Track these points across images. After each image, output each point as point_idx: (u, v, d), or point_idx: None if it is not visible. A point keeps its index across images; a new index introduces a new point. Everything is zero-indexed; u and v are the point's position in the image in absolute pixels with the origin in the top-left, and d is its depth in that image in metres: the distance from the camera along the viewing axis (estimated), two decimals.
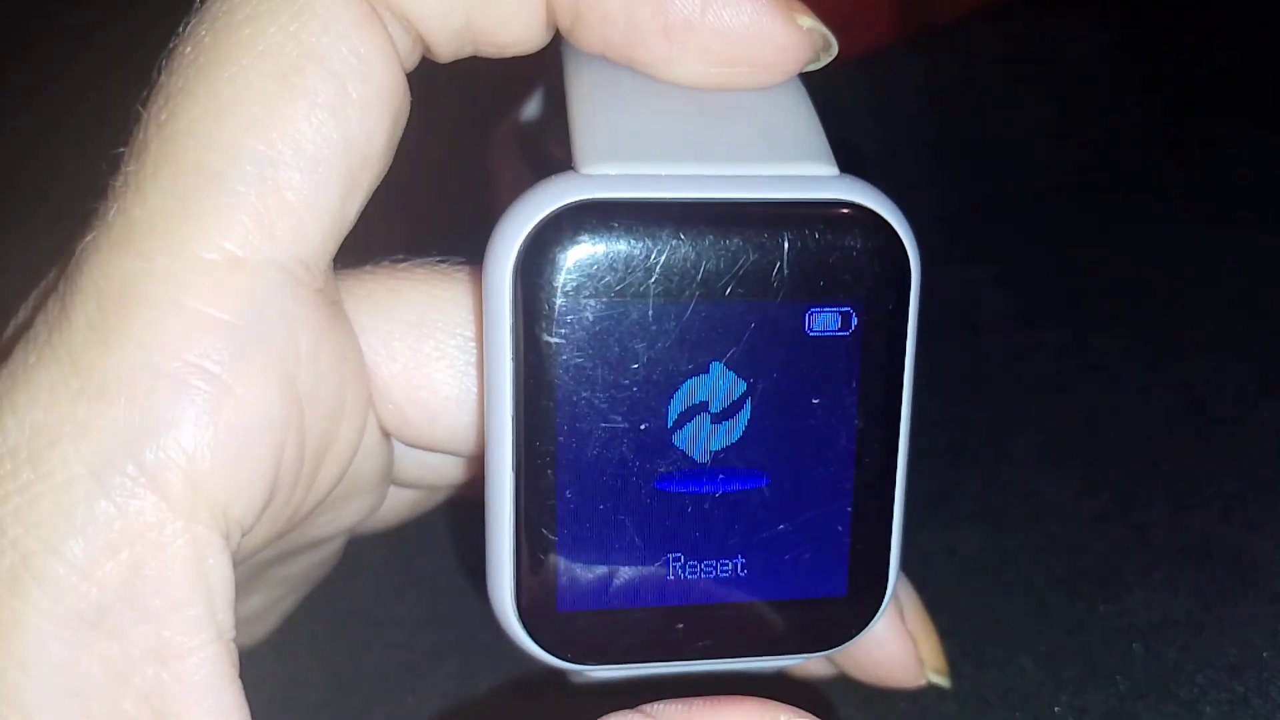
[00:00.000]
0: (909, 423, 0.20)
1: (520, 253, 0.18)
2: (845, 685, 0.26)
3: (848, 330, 0.19)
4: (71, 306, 0.18)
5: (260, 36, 0.18)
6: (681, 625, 0.20)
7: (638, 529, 0.20)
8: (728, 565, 0.20)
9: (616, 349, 0.19)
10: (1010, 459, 0.34)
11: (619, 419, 0.19)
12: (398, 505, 0.24)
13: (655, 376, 0.19)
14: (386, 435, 0.21)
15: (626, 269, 0.19)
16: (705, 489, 0.20)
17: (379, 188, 0.19)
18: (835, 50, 0.21)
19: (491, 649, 0.29)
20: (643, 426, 0.19)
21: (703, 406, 0.19)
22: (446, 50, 0.20)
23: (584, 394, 0.19)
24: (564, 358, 0.19)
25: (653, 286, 0.19)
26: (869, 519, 0.20)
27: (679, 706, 0.18)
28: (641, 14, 0.19)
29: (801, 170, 0.20)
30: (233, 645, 0.18)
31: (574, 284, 0.18)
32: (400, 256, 0.21)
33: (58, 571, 0.17)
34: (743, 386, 0.19)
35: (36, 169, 0.46)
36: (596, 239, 0.18)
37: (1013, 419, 0.35)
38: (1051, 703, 0.27)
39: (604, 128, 0.20)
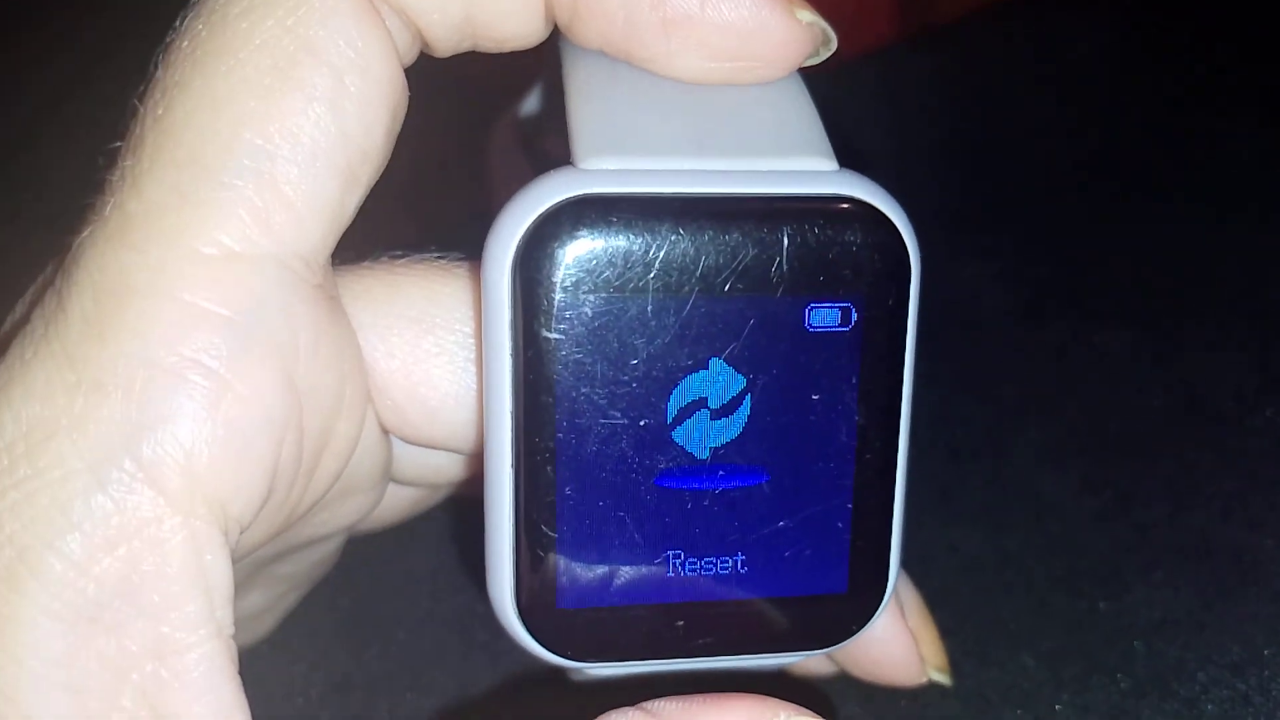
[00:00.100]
0: (909, 419, 0.20)
1: (519, 248, 0.18)
2: (846, 683, 0.26)
3: (848, 326, 0.19)
4: (67, 301, 0.17)
5: (257, 30, 0.18)
6: (681, 622, 0.20)
7: (637, 526, 0.20)
8: (728, 562, 0.20)
9: (616, 345, 0.19)
10: (1011, 457, 0.34)
11: (618, 415, 0.19)
12: (397, 503, 0.24)
13: (654, 372, 0.19)
14: (385, 432, 0.21)
15: (626, 264, 0.18)
16: (705, 485, 0.20)
17: (377, 183, 0.19)
18: (835, 45, 0.21)
19: (491, 648, 0.29)
20: (642, 423, 0.19)
21: (702, 402, 0.19)
22: (445, 45, 0.20)
23: (583, 390, 0.19)
24: (563, 353, 0.19)
25: (652, 282, 0.19)
26: (869, 515, 0.20)
27: (679, 704, 0.18)
28: (640, 9, 0.19)
29: (801, 165, 0.19)
30: (232, 642, 0.18)
31: (573, 279, 0.18)
32: (399, 252, 0.21)
33: (55, 567, 0.17)
34: (742, 382, 0.19)
35: (33, 164, 0.46)
36: (595, 234, 0.18)
37: (1013, 417, 0.35)
38: (1053, 701, 0.27)
39: (602, 123, 0.19)
